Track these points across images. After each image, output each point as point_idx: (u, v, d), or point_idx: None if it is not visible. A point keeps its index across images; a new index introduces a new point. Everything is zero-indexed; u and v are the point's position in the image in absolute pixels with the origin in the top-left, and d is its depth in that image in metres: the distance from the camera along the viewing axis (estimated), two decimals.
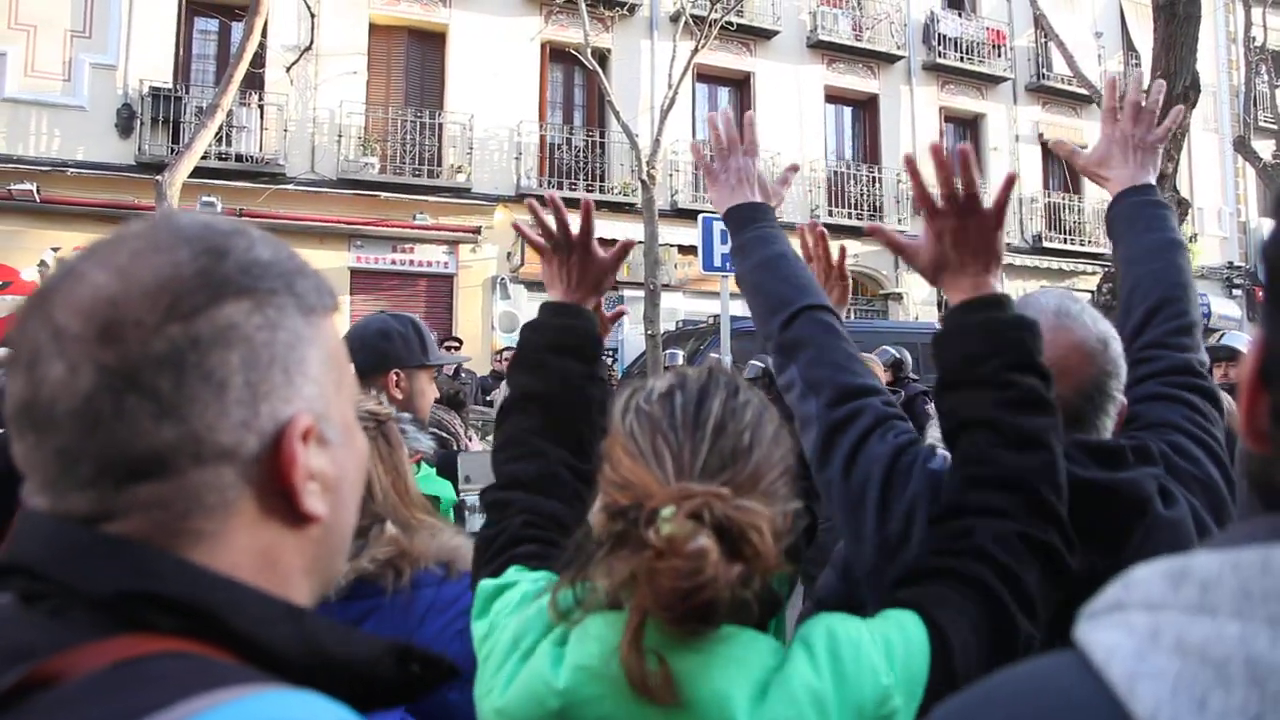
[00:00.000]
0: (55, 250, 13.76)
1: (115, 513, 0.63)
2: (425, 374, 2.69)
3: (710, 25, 13.42)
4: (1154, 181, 1.83)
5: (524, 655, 1.05)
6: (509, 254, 16.27)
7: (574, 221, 1.64)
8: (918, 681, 0.97)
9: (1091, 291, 18.70)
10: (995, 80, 20.43)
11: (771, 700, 0.92)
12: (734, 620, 0.97)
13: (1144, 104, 1.80)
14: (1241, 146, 18.88)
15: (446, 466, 3.11)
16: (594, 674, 0.98)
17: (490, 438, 3.31)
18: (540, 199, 1.69)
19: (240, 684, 0.57)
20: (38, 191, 13.34)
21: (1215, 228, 22.14)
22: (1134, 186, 1.83)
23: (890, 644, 1.00)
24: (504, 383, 1.65)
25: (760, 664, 0.95)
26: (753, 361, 7.41)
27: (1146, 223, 1.79)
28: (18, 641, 0.60)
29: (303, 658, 0.63)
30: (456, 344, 11.31)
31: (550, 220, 1.65)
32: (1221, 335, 8.56)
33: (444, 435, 3.30)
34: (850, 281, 2.10)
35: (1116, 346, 1.45)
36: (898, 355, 8.36)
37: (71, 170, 13.70)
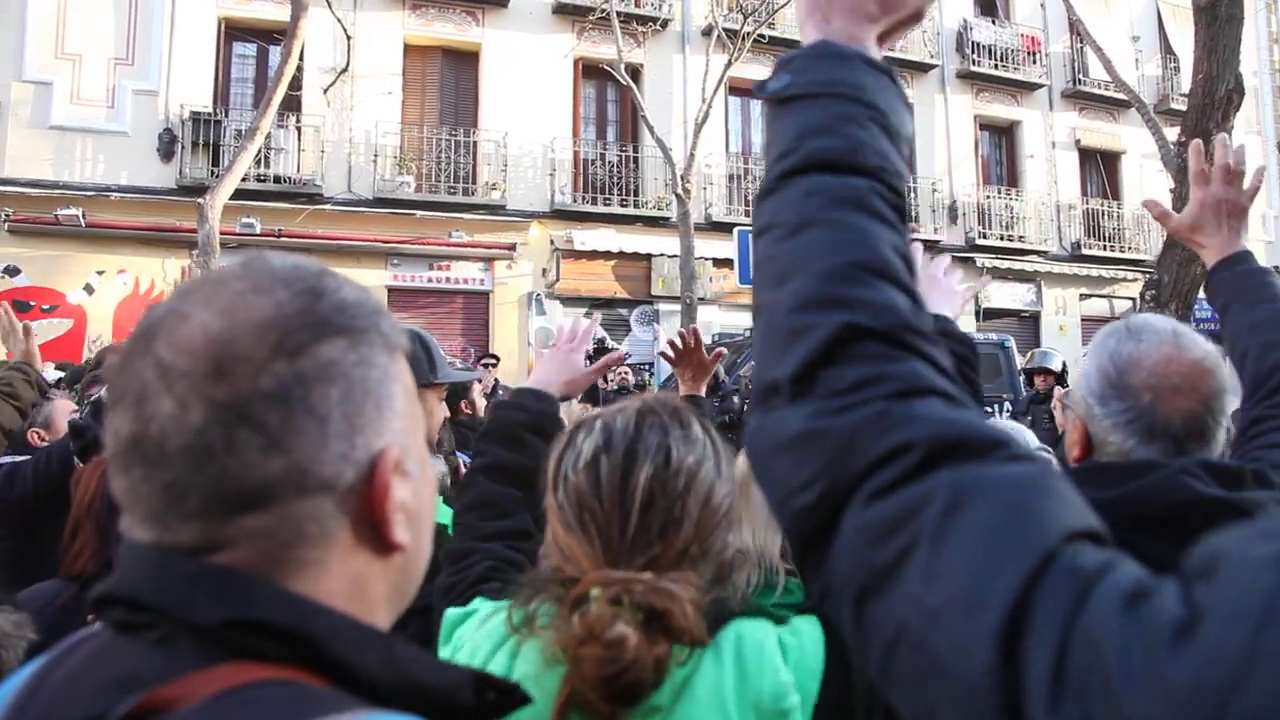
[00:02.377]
0: (100, 273, 14.07)
1: (222, 543, 0.65)
2: (434, 393, 2.56)
3: (743, 39, 13.43)
4: (1246, 245, 1.89)
5: (481, 666, 1.12)
6: (544, 270, 16.35)
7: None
8: (814, 677, 1.03)
9: (1133, 299, 18.49)
10: (1031, 87, 20.25)
11: (683, 701, 1.01)
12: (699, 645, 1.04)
13: (1231, 164, 1.83)
14: None
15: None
16: (531, 708, 1.05)
17: None
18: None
19: (342, 710, 0.59)
20: (83, 216, 13.62)
21: (1260, 231, 21.74)
22: (1232, 255, 1.87)
23: (787, 645, 1.06)
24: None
25: (679, 671, 1.02)
26: None
27: (1257, 293, 1.82)
28: (125, 670, 0.62)
29: (392, 684, 0.65)
30: (494, 360, 11.33)
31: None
32: None
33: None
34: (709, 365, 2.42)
35: (1226, 363, 1.52)
36: None
37: (115, 195, 13.99)
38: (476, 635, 1.18)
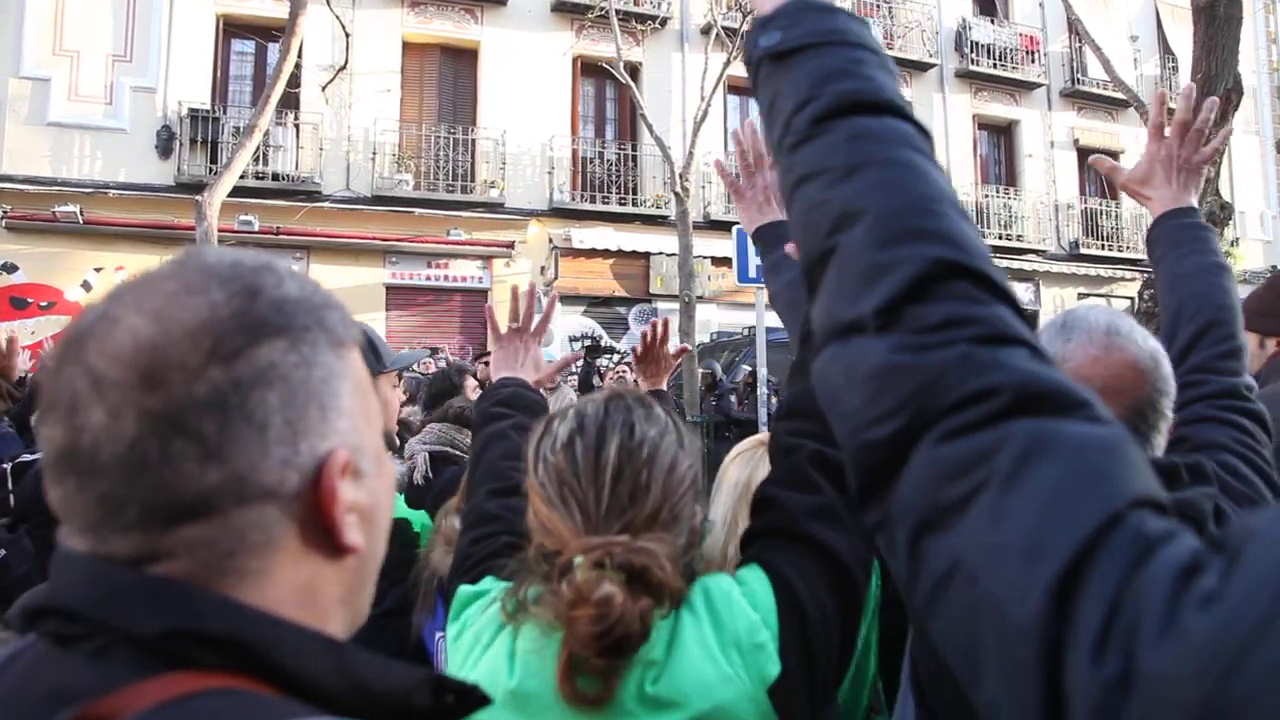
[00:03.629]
0: (98, 270, 14.05)
1: (160, 554, 0.63)
2: (385, 381, 2.54)
3: (742, 37, 13.42)
4: (1195, 203, 1.82)
5: (484, 648, 1.22)
6: (543, 268, 16.34)
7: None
8: (771, 613, 1.15)
9: (1131, 298, 18.49)
10: (1029, 86, 20.26)
11: (675, 653, 1.11)
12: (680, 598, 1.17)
13: (1193, 123, 1.76)
14: None
15: (418, 498, 2.99)
16: (538, 675, 1.15)
17: None
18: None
19: (287, 716, 0.59)
20: (81, 213, 13.61)
21: (1258, 231, 21.76)
22: (1177, 209, 1.81)
23: (744, 591, 1.18)
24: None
25: (664, 628, 1.13)
26: None
27: (1190, 245, 1.77)
28: (60, 684, 0.60)
29: (343, 689, 0.64)
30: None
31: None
32: None
33: (457, 453, 3.15)
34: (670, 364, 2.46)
35: (1167, 365, 1.43)
36: None
37: (113, 192, 13.98)
38: (481, 619, 1.26)
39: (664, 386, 2.66)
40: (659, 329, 2.54)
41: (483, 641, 1.23)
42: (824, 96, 0.78)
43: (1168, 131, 1.80)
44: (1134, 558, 0.55)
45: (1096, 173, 20.57)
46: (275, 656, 0.63)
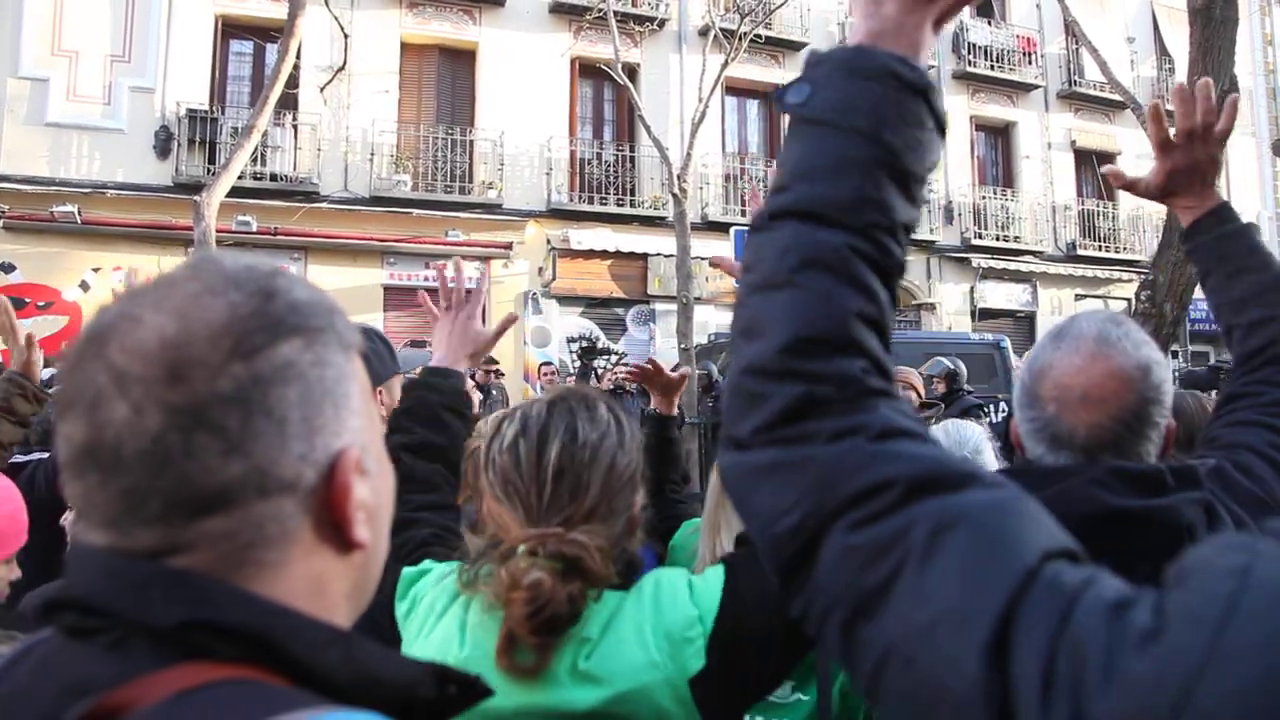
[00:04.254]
0: (96, 270, 14.04)
1: (181, 546, 0.65)
2: (396, 382, 2.62)
3: (739, 38, 13.44)
4: (1221, 194, 1.70)
5: (438, 617, 1.35)
6: (540, 269, 16.34)
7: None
8: (711, 612, 1.23)
9: (1128, 299, 18.50)
10: (1026, 88, 20.28)
11: (609, 633, 1.22)
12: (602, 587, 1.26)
13: (1199, 122, 1.62)
14: None
15: None
16: (483, 647, 1.27)
17: None
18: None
19: (300, 708, 0.60)
20: (79, 213, 13.59)
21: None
22: (1209, 213, 1.69)
23: (694, 587, 1.27)
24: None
25: (605, 610, 1.24)
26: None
27: (1241, 260, 1.67)
28: (78, 675, 0.62)
29: (351, 681, 0.66)
30: (496, 367, 11.12)
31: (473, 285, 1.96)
32: None
33: None
34: None
35: (1160, 372, 1.40)
36: (952, 366, 7.89)
37: (111, 192, 13.96)
38: (434, 591, 1.39)
39: (674, 409, 2.64)
40: (648, 368, 2.53)
41: (436, 610, 1.36)
42: (791, 191, 0.78)
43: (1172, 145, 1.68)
44: (1059, 608, 0.57)
45: (1094, 174, 20.46)
46: (289, 648, 0.64)
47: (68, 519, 2.28)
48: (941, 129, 0.83)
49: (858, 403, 0.73)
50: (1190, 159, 1.65)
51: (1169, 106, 1.60)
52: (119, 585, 0.64)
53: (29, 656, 0.68)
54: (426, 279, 15.59)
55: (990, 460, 2.70)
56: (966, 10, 19.67)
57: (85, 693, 0.59)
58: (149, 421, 0.63)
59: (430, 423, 1.74)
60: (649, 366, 2.51)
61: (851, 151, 0.77)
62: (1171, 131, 1.66)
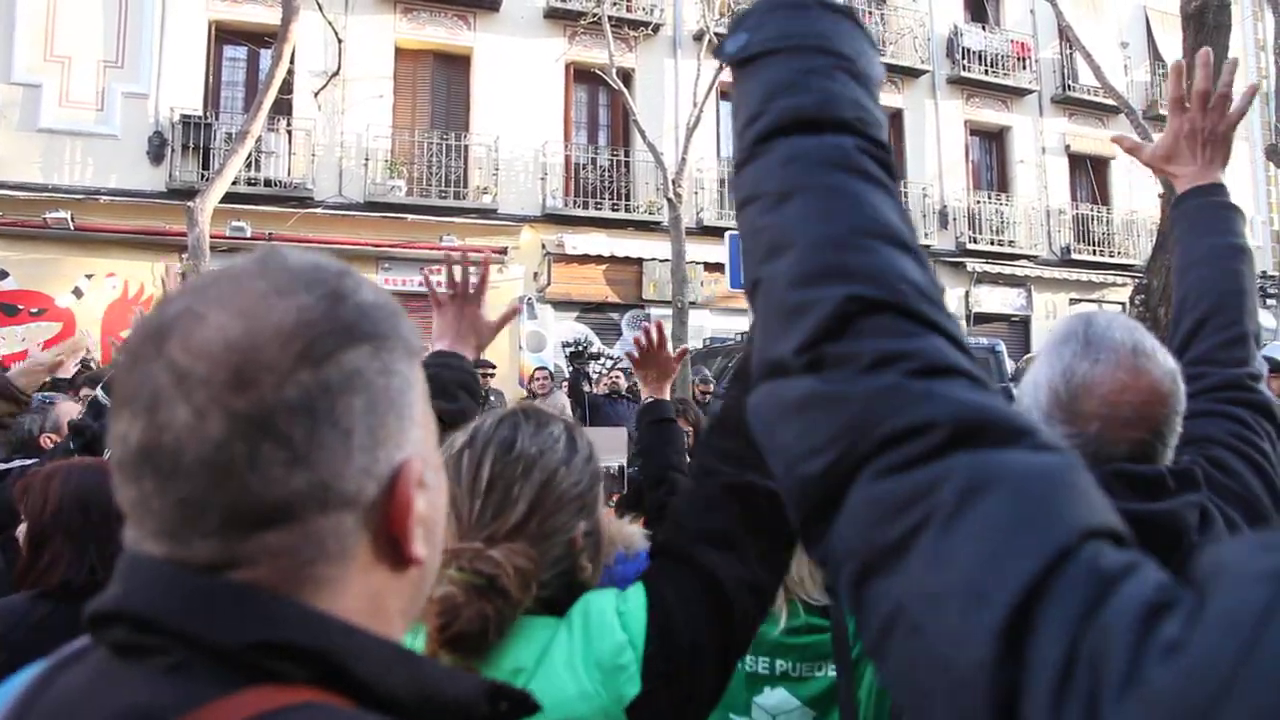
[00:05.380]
0: (89, 277, 14.01)
1: (240, 560, 0.61)
2: None
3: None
4: (1222, 178, 1.71)
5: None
6: (536, 274, 16.34)
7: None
8: (640, 635, 1.18)
9: (1122, 304, 18.55)
10: (1021, 93, 20.32)
11: (543, 664, 1.17)
12: (534, 612, 1.22)
13: (1215, 90, 1.64)
14: (1273, 154, 18.64)
15: None
16: None
17: None
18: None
19: None
20: (72, 219, 13.56)
21: (1248, 237, 21.85)
22: (1200, 186, 1.70)
23: (621, 612, 1.21)
24: None
25: (541, 640, 1.19)
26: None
27: (1207, 226, 1.68)
28: (138, 700, 0.58)
29: (415, 700, 0.63)
30: (492, 369, 11.10)
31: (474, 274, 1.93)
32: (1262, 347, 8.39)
33: None
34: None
35: (1181, 381, 1.39)
36: None
37: (105, 198, 13.93)
38: None
39: (667, 394, 2.63)
40: (653, 334, 2.52)
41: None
42: (768, 113, 0.75)
43: (1189, 105, 1.70)
44: (1092, 596, 0.51)
45: (1088, 178, 20.52)
46: (357, 669, 0.61)
47: (20, 531, 2.26)
48: (875, 45, 0.81)
49: (910, 320, 0.65)
50: (1198, 124, 1.67)
51: (1164, 111, 1.61)
52: (180, 600, 0.60)
53: (63, 673, 0.64)
54: (420, 284, 15.59)
55: None
56: (961, 15, 19.82)
57: (151, 719, 0.56)
58: (212, 428, 0.59)
59: (443, 394, 1.69)
60: (655, 334, 2.46)
61: (811, 63, 0.75)
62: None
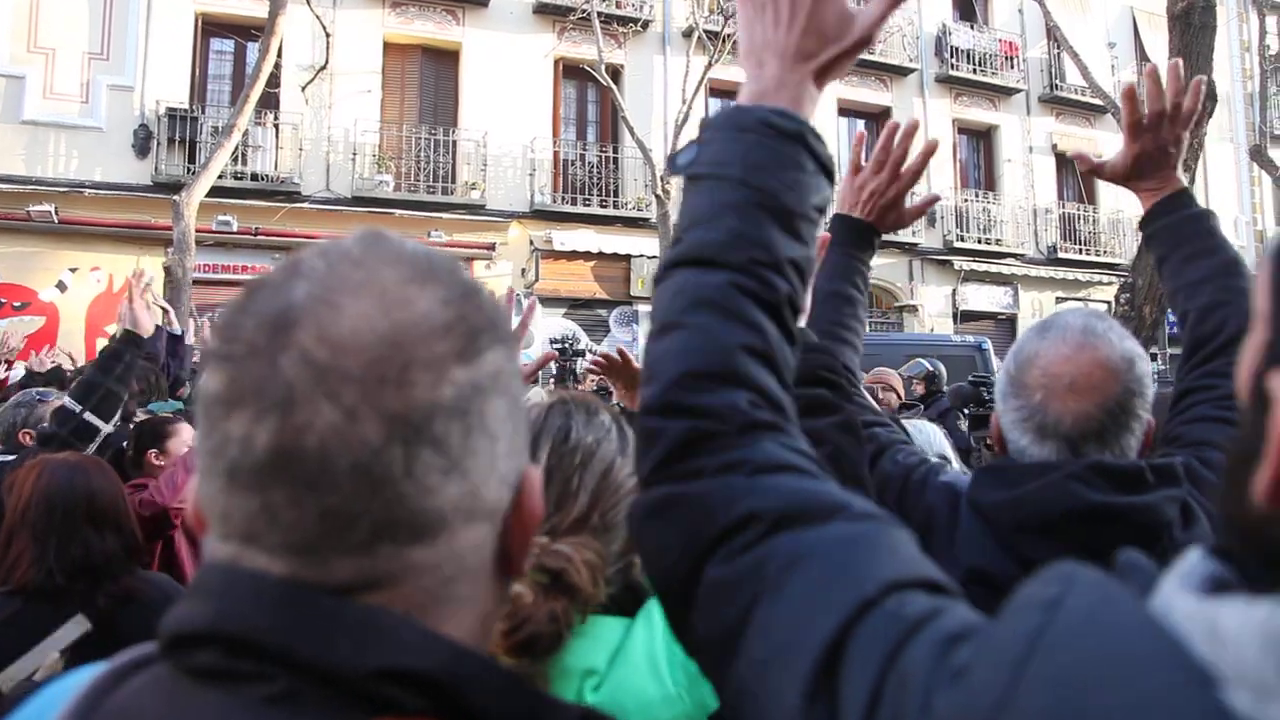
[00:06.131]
0: (73, 270, 13.91)
1: (383, 580, 0.56)
2: None
3: (723, 40, 13.46)
4: (1183, 179, 1.72)
5: None
6: (523, 270, 16.32)
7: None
8: None
9: (1108, 302, 18.64)
10: (1008, 92, 20.39)
11: (619, 663, 1.11)
12: (602, 612, 1.16)
13: (1169, 102, 1.65)
14: (1257, 155, 18.79)
15: None
16: None
17: None
18: None
19: None
20: (56, 212, 13.47)
21: (1232, 237, 21.78)
22: (1169, 197, 1.72)
23: None
24: None
25: (613, 638, 1.14)
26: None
27: (1198, 243, 1.68)
28: None
29: None
30: None
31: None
32: None
33: None
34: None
35: (1143, 366, 1.41)
36: (931, 368, 8.04)
37: (89, 191, 13.84)
38: None
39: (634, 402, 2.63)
40: (616, 357, 2.54)
41: None
42: (682, 243, 0.82)
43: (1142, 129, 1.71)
44: (895, 639, 0.55)
45: (1075, 177, 20.63)
46: (474, 697, 0.56)
47: None
48: (826, 171, 0.86)
49: (742, 436, 0.73)
50: (1158, 142, 1.68)
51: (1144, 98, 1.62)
52: (298, 624, 0.53)
53: (119, 691, 0.58)
54: None
55: (951, 454, 2.73)
56: (950, 14, 19.88)
57: None
58: (367, 431, 0.53)
59: None
60: (616, 357, 2.50)
61: (728, 196, 0.81)
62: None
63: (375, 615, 0.55)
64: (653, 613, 1.17)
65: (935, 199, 1.95)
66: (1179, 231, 1.70)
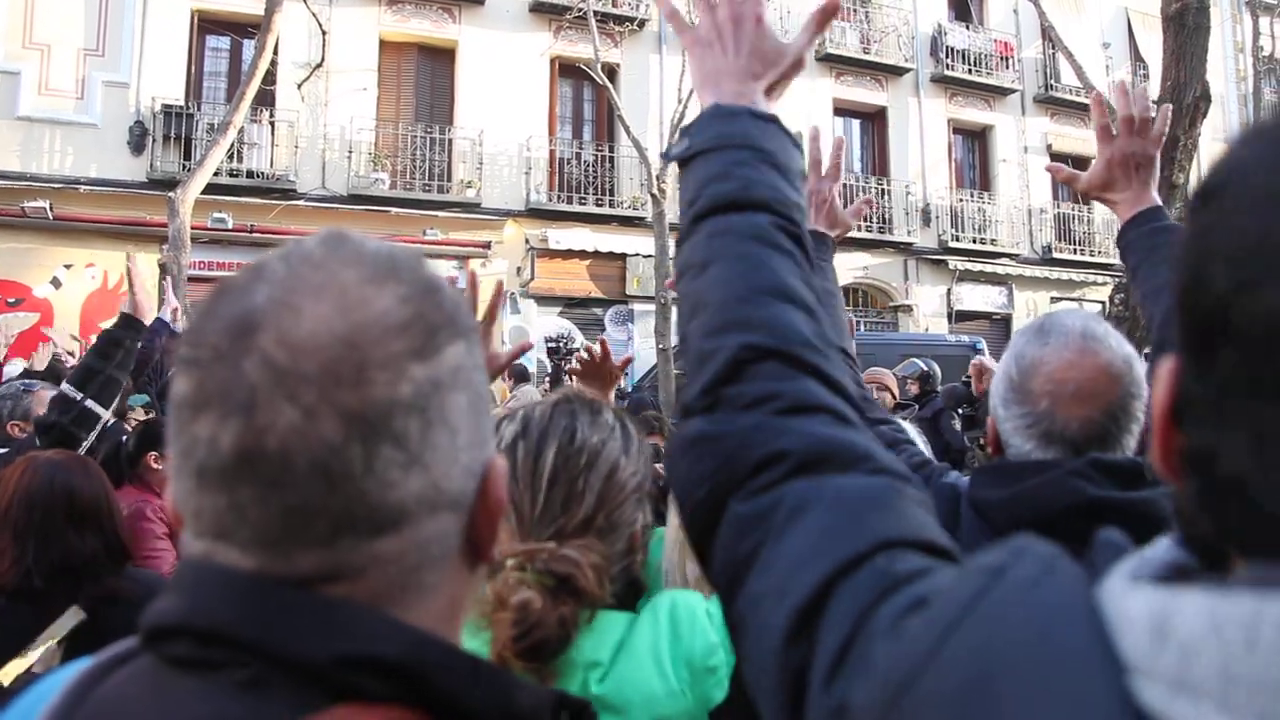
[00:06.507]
0: (68, 267, 13.88)
1: (347, 571, 0.58)
2: None
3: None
4: (1158, 198, 1.79)
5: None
6: (519, 268, 16.31)
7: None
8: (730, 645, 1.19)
9: (1102, 302, 18.70)
10: (1003, 92, 20.43)
11: (622, 657, 1.13)
12: (605, 607, 1.17)
13: (1136, 114, 1.73)
14: None
15: None
16: None
17: None
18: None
19: None
20: (51, 209, 13.43)
21: None
22: (1142, 212, 1.78)
23: (712, 614, 1.19)
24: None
25: (617, 632, 1.15)
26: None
27: (1164, 252, 1.73)
28: (204, 716, 0.55)
29: (494, 713, 0.61)
30: None
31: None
32: None
33: None
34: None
35: (1140, 368, 1.44)
36: (925, 368, 8.05)
37: (84, 187, 13.80)
38: None
39: (610, 399, 2.68)
40: (596, 351, 2.57)
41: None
42: (701, 199, 0.89)
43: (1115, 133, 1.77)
44: (877, 591, 0.58)
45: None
46: (439, 683, 0.58)
47: None
48: (797, 145, 0.96)
49: (791, 360, 0.76)
50: (1127, 150, 1.74)
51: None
52: (264, 614, 0.56)
53: (106, 681, 0.60)
54: None
55: (929, 456, 2.75)
56: (945, 14, 19.89)
57: None
58: (326, 429, 0.55)
59: None
60: (596, 353, 2.54)
61: (734, 156, 0.90)
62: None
63: (338, 605, 0.57)
64: (657, 609, 1.19)
65: (869, 200, 2.12)
66: (1150, 241, 1.75)
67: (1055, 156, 20.60)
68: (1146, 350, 1.88)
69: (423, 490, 0.59)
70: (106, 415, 2.93)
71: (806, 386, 0.75)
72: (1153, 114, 1.72)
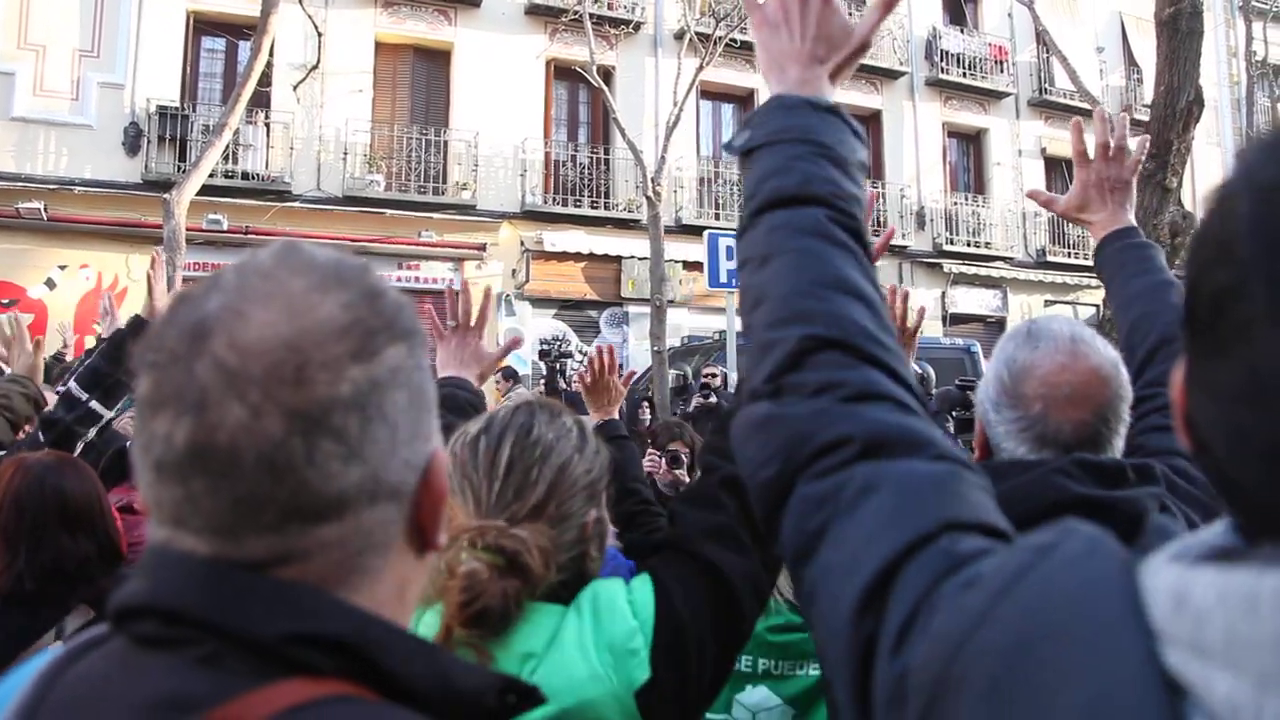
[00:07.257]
0: (62, 268, 13.85)
1: (294, 556, 0.63)
2: None
3: (714, 42, 13.48)
4: (1133, 219, 1.88)
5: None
6: (514, 271, 16.31)
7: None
8: (648, 623, 1.22)
9: (1095, 305, 18.73)
10: (998, 95, 20.47)
11: (553, 648, 1.19)
12: (542, 600, 1.24)
13: (1112, 142, 1.82)
14: None
15: None
16: None
17: None
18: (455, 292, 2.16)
19: None
20: (45, 210, 13.41)
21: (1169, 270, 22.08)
22: (1116, 231, 1.87)
23: (630, 598, 1.26)
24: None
25: (550, 625, 1.22)
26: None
27: (1135, 267, 1.83)
28: (171, 690, 0.59)
29: (433, 692, 0.65)
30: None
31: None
32: None
33: None
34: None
35: (1125, 372, 1.46)
36: (920, 371, 8.02)
37: (79, 189, 13.78)
38: None
39: (615, 414, 2.73)
40: (604, 358, 2.57)
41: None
42: (760, 193, 0.93)
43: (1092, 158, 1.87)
44: (940, 570, 0.63)
45: (1064, 181, 20.75)
46: (384, 661, 0.63)
47: None
48: (857, 134, 0.99)
49: (852, 352, 0.80)
50: (1103, 174, 1.84)
51: (1138, 116, 1.71)
52: (219, 596, 0.61)
53: (79, 663, 0.65)
54: (398, 280, 15.53)
55: None
56: (940, 17, 19.94)
57: (186, 709, 0.57)
58: (270, 426, 0.60)
59: (458, 411, 1.79)
60: (606, 359, 2.54)
61: (793, 151, 0.93)
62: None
63: (286, 587, 0.63)
64: (582, 601, 1.26)
65: (891, 231, 2.24)
66: (1122, 256, 1.85)
67: (1049, 160, 20.68)
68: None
69: (362, 481, 0.64)
70: (109, 414, 2.95)
71: (868, 375, 0.80)
72: (1129, 143, 1.81)
